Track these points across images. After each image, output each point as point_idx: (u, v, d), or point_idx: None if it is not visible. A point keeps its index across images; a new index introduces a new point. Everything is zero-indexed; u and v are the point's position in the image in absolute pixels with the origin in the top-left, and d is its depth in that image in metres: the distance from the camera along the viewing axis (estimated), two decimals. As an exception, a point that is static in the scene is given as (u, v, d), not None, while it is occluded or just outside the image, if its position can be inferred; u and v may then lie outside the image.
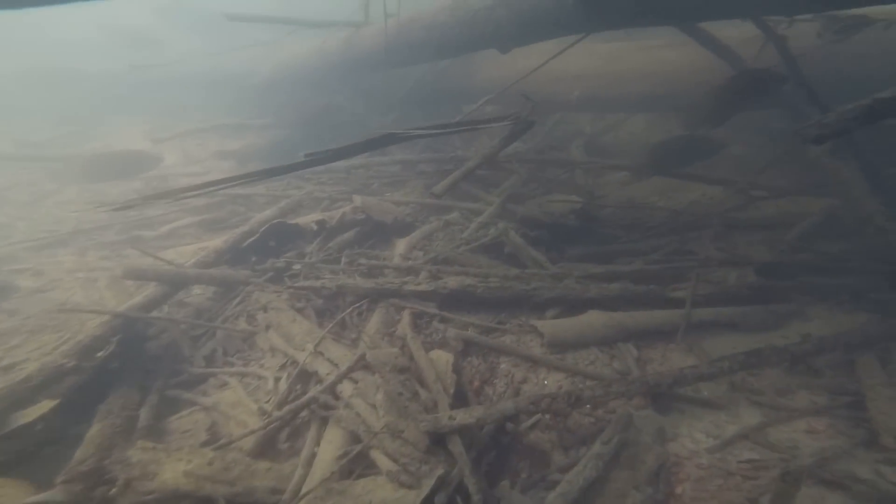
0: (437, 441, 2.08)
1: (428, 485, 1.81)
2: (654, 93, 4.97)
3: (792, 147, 3.84)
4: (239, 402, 2.47)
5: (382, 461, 2.04)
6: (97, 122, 11.98)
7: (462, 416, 2.12)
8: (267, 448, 2.36)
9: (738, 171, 4.67)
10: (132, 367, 2.88)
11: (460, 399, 2.65)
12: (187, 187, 2.42)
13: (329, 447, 2.17)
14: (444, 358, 2.65)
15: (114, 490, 2.00)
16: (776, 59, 3.42)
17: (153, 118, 11.49)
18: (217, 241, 3.93)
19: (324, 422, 2.33)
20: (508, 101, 5.85)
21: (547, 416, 2.54)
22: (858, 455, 2.11)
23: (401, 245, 3.94)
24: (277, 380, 2.61)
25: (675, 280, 3.32)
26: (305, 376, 2.65)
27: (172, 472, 2.02)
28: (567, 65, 5.49)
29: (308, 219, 4.28)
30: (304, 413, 2.40)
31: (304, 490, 1.99)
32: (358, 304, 3.20)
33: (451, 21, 4.70)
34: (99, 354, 2.75)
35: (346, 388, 2.35)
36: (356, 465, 2.14)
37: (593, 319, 3.02)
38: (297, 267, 3.64)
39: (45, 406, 2.43)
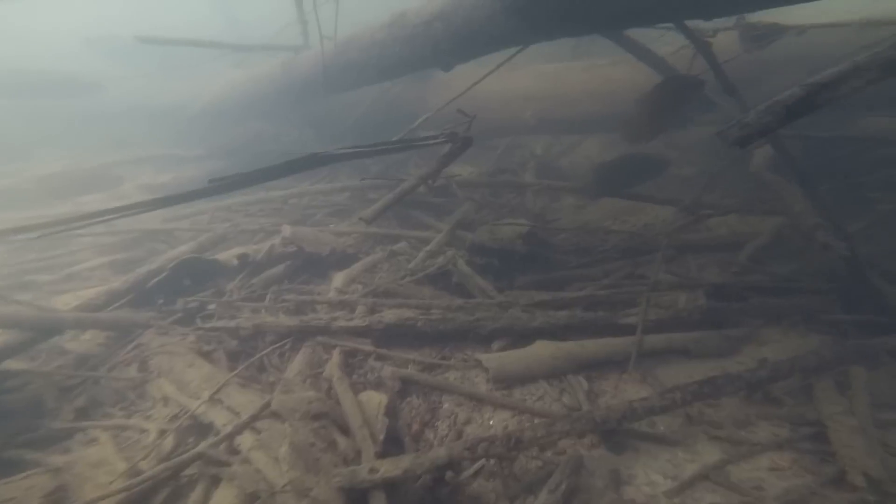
0: (356, 499, 1.79)
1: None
2: (601, 112, 4.95)
3: (737, 163, 3.82)
4: (103, 461, 2.11)
5: (291, 528, 1.73)
6: (24, 155, 11.31)
7: (387, 468, 1.84)
8: (136, 516, 1.99)
9: (688, 191, 4.64)
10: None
11: (395, 446, 2.36)
12: (75, 216, 2.11)
13: (225, 512, 1.84)
14: (375, 400, 2.37)
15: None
16: (706, 68, 3.40)
17: (82, 153, 10.91)
18: (114, 283, 3.56)
19: (214, 481, 2.00)
20: (457, 122, 5.77)
21: (492, 461, 2.28)
22: (828, 496, 1.93)
23: (338, 278, 3.67)
24: (162, 433, 2.26)
25: (627, 305, 3.16)
26: (201, 428, 2.31)
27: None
28: (517, 86, 5.45)
29: (229, 254, 3.95)
30: (189, 471, 2.06)
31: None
32: (280, 345, 2.89)
33: (388, 39, 4.54)
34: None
35: (246, 441, 2.04)
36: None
37: (541, 351, 2.81)
38: (212, 307, 3.31)
39: None
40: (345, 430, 2.13)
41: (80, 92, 13.11)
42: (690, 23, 3.20)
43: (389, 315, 2.88)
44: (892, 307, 2.77)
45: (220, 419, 2.19)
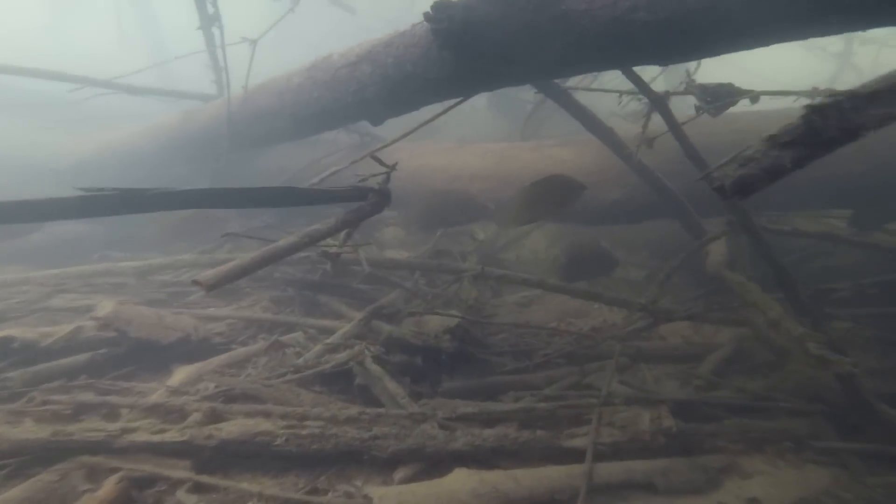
0: None
1: None
2: None
3: (689, 263, 3.43)
4: None
5: None
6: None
7: None
8: None
9: (636, 294, 4.19)
10: None
11: None
12: None
13: None
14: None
15: None
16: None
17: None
18: None
19: None
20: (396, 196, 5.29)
21: None
22: None
23: (179, 374, 2.80)
24: None
25: (573, 423, 2.46)
26: None
27: None
28: (464, 163, 5.08)
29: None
30: None
31: None
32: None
33: (307, 83, 3.96)
34: None
35: None
36: None
37: (459, 485, 2.03)
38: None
39: None
40: None
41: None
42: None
43: (232, 427, 2.05)
44: (897, 434, 2.20)
45: None
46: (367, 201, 2.28)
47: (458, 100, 3.33)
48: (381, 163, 2.32)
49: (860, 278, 3.56)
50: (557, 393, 2.83)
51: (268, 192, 2.10)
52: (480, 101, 9.01)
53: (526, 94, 7.24)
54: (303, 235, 2.02)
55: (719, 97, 3.09)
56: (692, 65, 3.11)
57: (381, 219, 6.02)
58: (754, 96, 3.10)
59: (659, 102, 2.94)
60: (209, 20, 5.54)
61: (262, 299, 4.04)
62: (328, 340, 3.17)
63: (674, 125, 2.90)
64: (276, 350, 3.20)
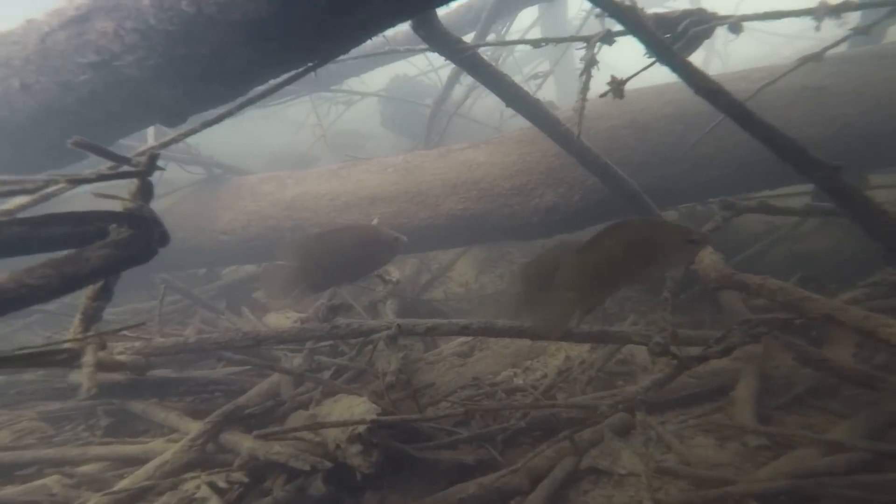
0: None
1: None
2: (468, 210, 3.50)
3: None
4: None
5: None
6: None
7: None
8: None
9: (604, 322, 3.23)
10: None
11: None
12: None
13: None
14: None
15: None
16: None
17: None
18: None
19: None
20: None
21: None
22: None
23: None
24: None
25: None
26: None
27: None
28: (358, 185, 3.90)
29: None
30: None
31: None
32: None
33: (11, 67, 2.27)
34: None
35: None
36: None
37: None
38: None
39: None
40: None
41: None
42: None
43: None
44: None
45: None
46: (100, 243, 1.10)
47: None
48: (117, 159, 1.15)
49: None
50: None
51: None
52: (373, 121, 8.04)
53: (423, 109, 6.36)
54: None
55: (687, 29, 2.25)
56: None
57: (257, 274, 4.66)
58: (736, 22, 2.29)
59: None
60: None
61: (22, 418, 2.49)
62: (119, 485, 1.82)
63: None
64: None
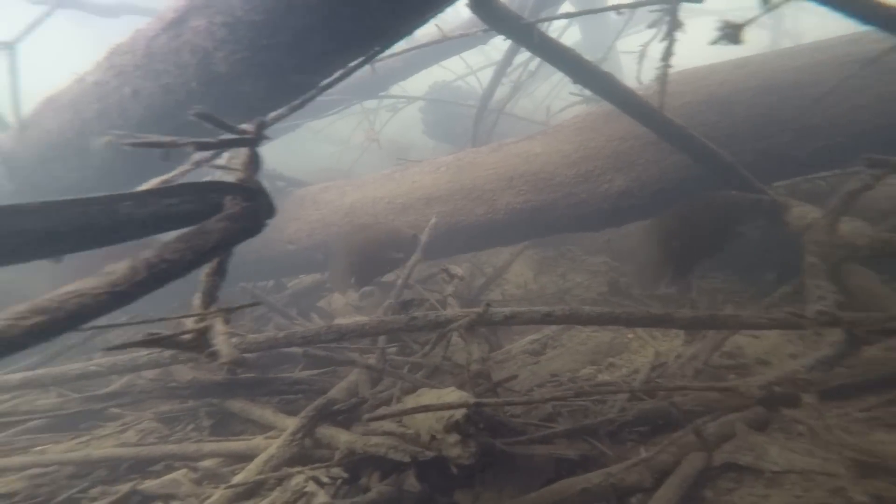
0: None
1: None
2: (528, 202, 3.34)
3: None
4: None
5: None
6: None
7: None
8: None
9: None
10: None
11: None
12: None
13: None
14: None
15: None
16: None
17: None
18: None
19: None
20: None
21: None
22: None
23: None
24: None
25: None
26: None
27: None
28: (412, 186, 3.84)
29: None
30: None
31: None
32: None
33: (110, 77, 2.37)
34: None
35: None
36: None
37: None
38: None
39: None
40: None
41: None
42: None
43: None
44: None
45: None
46: (219, 215, 1.04)
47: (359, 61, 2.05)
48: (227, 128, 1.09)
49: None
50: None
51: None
52: (414, 131, 8.03)
53: (466, 115, 6.29)
54: (22, 313, 0.72)
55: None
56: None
57: (322, 283, 4.64)
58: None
59: None
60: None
61: (142, 419, 2.51)
62: (236, 479, 1.73)
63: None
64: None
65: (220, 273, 1.21)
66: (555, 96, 6.50)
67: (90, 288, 0.89)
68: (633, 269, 2.30)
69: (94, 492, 1.99)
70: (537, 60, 5.20)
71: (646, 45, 2.35)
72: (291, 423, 2.10)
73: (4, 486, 2.00)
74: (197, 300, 1.20)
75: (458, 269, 3.50)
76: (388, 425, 2.07)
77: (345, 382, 2.65)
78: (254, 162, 1.21)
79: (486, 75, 5.79)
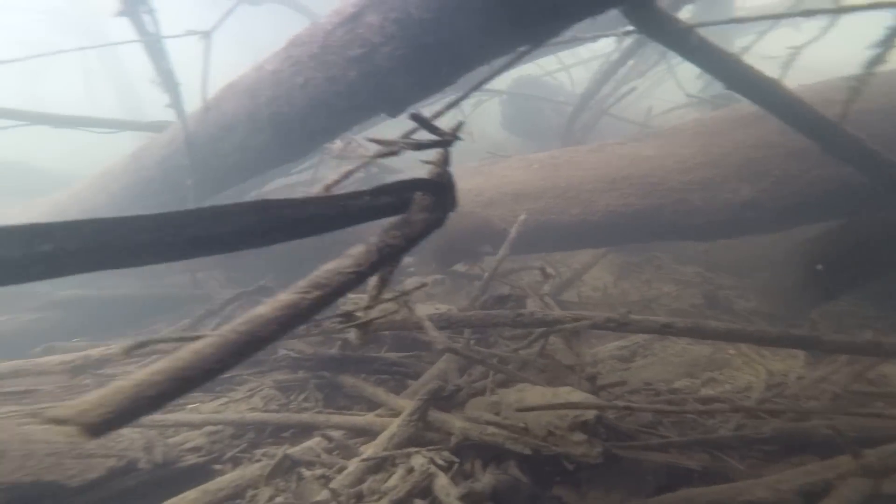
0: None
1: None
2: (630, 206, 3.24)
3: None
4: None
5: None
6: None
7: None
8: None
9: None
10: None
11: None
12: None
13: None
14: None
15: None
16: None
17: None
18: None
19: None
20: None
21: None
22: None
23: None
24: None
25: None
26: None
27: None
28: (502, 181, 3.80)
29: None
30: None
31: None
32: None
33: (286, 67, 2.51)
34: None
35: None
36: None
37: None
38: None
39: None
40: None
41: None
42: None
43: None
44: None
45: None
46: (412, 210, 1.08)
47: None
48: (430, 128, 1.14)
49: None
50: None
51: (210, 218, 0.85)
52: (491, 123, 7.97)
53: (547, 111, 6.19)
54: (305, 288, 0.76)
55: None
56: None
57: (399, 268, 4.69)
58: None
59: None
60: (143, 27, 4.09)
61: (263, 386, 2.63)
62: (366, 455, 1.77)
63: None
64: (286, 474, 1.83)
65: (395, 263, 1.27)
66: (648, 96, 6.31)
67: (344, 267, 0.96)
68: (765, 286, 2.18)
69: (259, 452, 2.14)
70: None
71: (798, 48, 2.21)
72: (402, 404, 2.14)
73: (191, 440, 2.17)
74: (372, 286, 1.27)
75: (550, 269, 3.47)
76: (488, 415, 2.08)
77: (434, 369, 2.67)
78: (447, 159, 1.25)
79: (576, 73, 5.67)
